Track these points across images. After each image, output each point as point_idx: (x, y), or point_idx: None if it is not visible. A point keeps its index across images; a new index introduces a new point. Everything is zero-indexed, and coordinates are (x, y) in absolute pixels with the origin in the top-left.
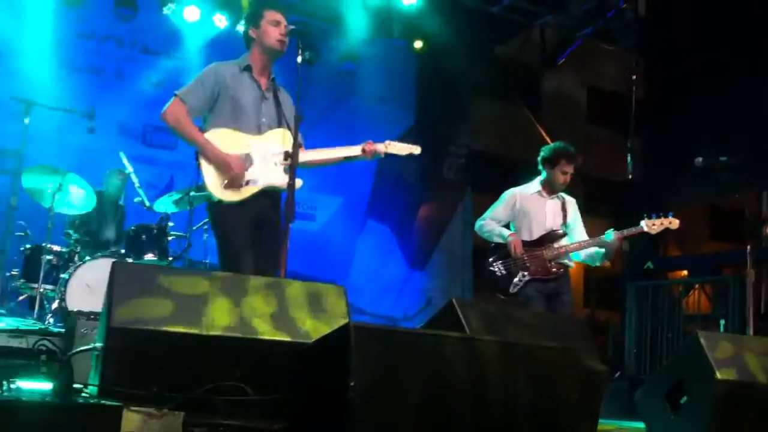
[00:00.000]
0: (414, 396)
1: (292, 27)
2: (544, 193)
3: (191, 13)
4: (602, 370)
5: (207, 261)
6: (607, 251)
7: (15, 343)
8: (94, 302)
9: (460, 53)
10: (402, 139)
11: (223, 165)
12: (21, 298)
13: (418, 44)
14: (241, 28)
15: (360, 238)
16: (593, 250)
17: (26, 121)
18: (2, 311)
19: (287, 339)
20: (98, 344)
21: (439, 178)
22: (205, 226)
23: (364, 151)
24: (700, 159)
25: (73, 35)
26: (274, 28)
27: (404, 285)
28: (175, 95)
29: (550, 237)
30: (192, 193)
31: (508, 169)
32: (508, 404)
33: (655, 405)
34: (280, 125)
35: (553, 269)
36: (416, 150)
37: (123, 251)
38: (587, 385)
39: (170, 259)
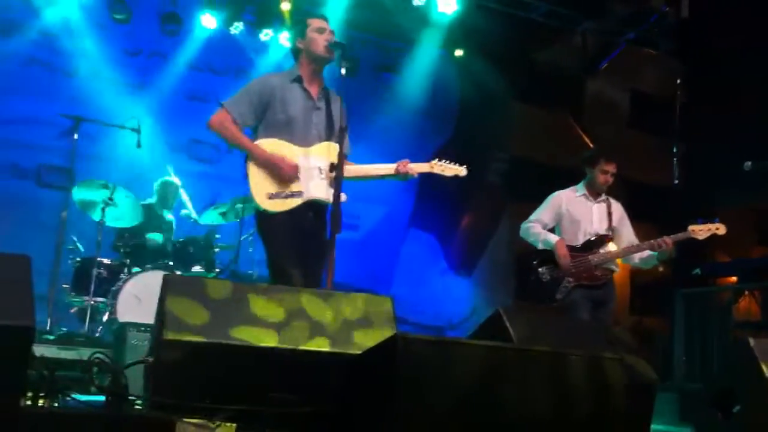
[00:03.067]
0: (462, 408)
1: (335, 40)
2: (590, 196)
3: (235, 27)
4: (653, 379)
5: (253, 272)
6: (662, 255)
7: (67, 355)
8: (144, 314)
9: (500, 60)
10: (443, 148)
11: (271, 164)
12: (72, 310)
13: (458, 53)
14: (286, 41)
15: (403, 246)
16: (647, 253)
17: (75, 137)
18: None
19: (335, 350)
20: (150, 356)
21: (483, 186)
22: (251, 238)
23: (397, 171)
24: (749, 163)
25: (121, 51)
26: (319, 36)
27: (449, 293)
28: (222, 105)
29: (597, 242)
30: (238, 205)
31: (551, 176)
32: (559, 415)
33: (705, 413)
34: (331, 134)
35: (600, 275)
36: (462, 172)
37: (171, 263)
38: (638, 395)
39: (217, 270)
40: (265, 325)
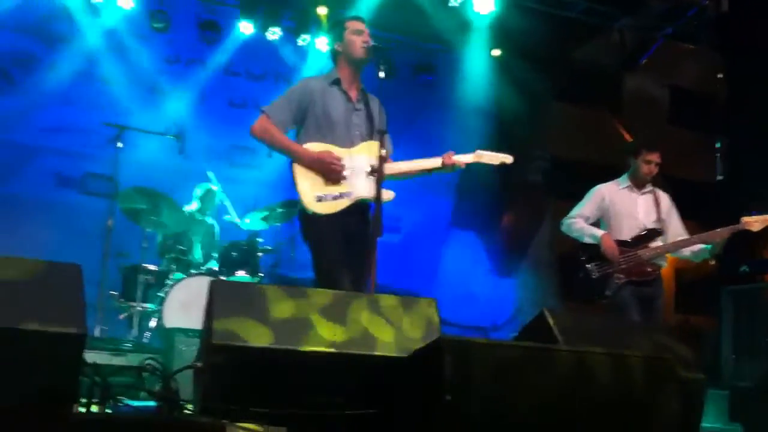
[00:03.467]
0: (509, 411)
1: (373, 44)
2: (634, 188)
3: (273, 33)
4: (701, 378)
5: (296, 276)
6: (714, 248)
7: (116, 361)
8: (190, 319)
9: (538, 59)
10: (482, 148)
11: (318, 163)
12: (120, 316)
13: (495, 52)
14: (324, 45)
15: (445, 247)
16: (699, 247)
17: (119, 145)
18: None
19: (381, 354)
20: (199, 361)
21: (523, 185)
22: (293, 241)
23: (444, 164)
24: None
25: (161, 59)
26: (357, 37)
27: (492, 294)
28: (262, 111)
29: (647, 236)
30: (279, 209)
31: (592, 173)
32: (607, 416)
33: (755, 411)
34: (371, 135)
35: (650, 270)
36: (508, 159)
37: (215, 268)
38: (687, 395)
39: (260, 275)
40: (312, 329)
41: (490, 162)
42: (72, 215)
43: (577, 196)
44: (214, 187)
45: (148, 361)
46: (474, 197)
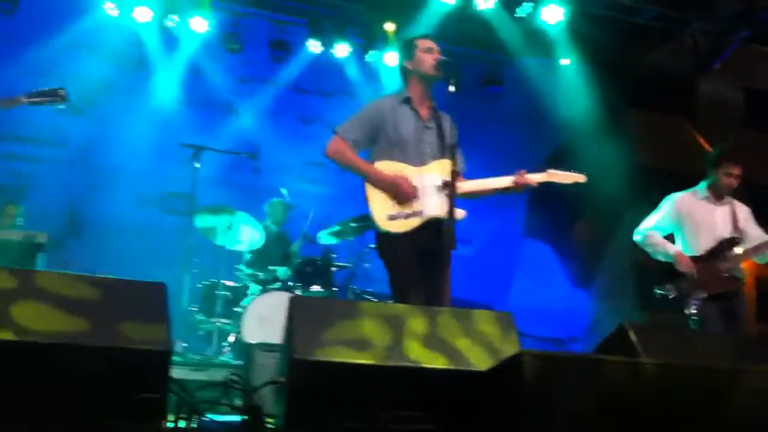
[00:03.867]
0: (589, 425)
1: (443, 58)
2: (713, 199)
3: (341, 50)
4: None
5: (371, 289)
6: None
7: (198, 376)
8: (269, 334)
9: (608, 67)
10: (553, 158)
11: (391, 186)
12: (200, 332)
13: (564, 61)
14: (391, 60)
15: (518, 258)
16: None
17: (196, 165)
18: (184, 345)
19: (461, 368)
20: (280, 376)
21: (597, 194)
22: (366, 256)
23: (515, 183)
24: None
25: (235, 79)
26: (428, 55)
27: (568, 305)
28: (335, 131)
29: (725, 246)
30: (353, 224)
31: (667, 180)
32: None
33: None
34: (443, 153)
35: (729, 284)
36: (581, 178)
37: (291, 283)
38: None
39: (335, 289)
40: (391, 344)
41: (562, 181)
42: (153, 234)
43: (652, 203)
44: (285, 203)
45: (231, 377)
46: (547, 207)
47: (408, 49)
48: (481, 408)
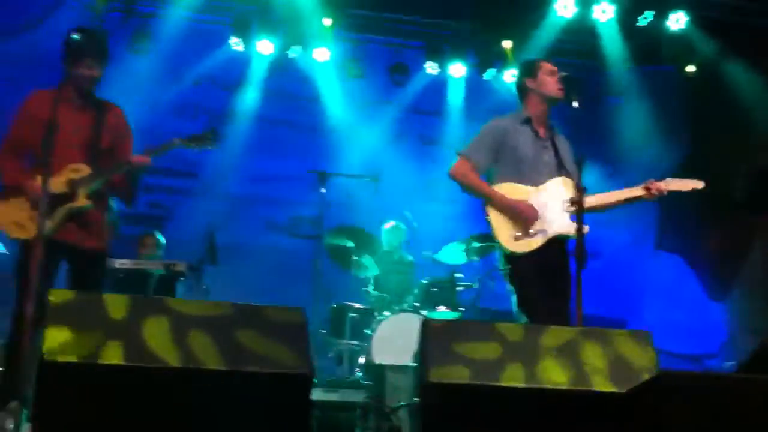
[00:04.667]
0: None
1: (564, 74)
2: None
3: (457, 70)
4: None
5: (498, 308)
6: None
7: (330, 397)
8: (398, 355)
9: (737, 72)
10: (681, 167)
11: (513, 211)
12: (330, 354)
13: (690, 68)
14: (509, 77)
15: (649, 271)
16: None
17: (323, 190)
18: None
19: (597, 390)
20: (414, 398)
21: (729, 203)
22: (492, 274)
23: (647, 190)
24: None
25: (356, 104)
26: (551, 78)
27: (703, 319)
28: (460, 154)
29: None
30: (476, 243)
31: None
32: None
33: None
34: (561, 172)
35: None
36: (699, 185)
37: (417, 304)
38: None
39: (461, 309)
40: (524, 366)
41: (679, 189)
42: (282, 258)
43: None
44: (404, 225)
45: (367, 398)
46: (677, 218)
47: (531, 68)
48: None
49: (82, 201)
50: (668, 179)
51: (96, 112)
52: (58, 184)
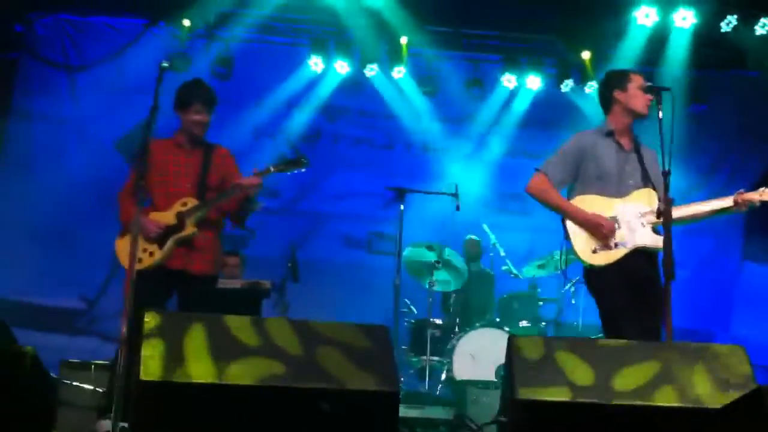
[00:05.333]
0: None
1: (649, 84)
2: None
3: (533, 82)
4: None
5: (579, 322)
6: None
7: (413, 413)
8: (479, 371)
9: None
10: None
11: (592, 226)
12: (411, 370)
13: None
14: (591, 90)
15: (738, 282)
16: None
17: (401, 207)
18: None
19: (691, 406)
20: (501, 416)
21: None
22: (573, 288)
23: (736, 202)
24: None
25: (433, 121)
26: (642, 94)
27: None
28: (539, 170)
29: None
30: (556, 256)
31: None
32: None
33: None
34: (645, 184)
35: None
36: None
37: (498, 319)
38: None
39: (543, 324)
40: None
41: None
42: (361, 274)
43: None
44: (479, 240)
45: (456, 415)
46: (764, 227)
47: (621, 80)
48: None
49: (189, 230)
50: (762, 189)
51: (204, 153)
52: (168, 217)
